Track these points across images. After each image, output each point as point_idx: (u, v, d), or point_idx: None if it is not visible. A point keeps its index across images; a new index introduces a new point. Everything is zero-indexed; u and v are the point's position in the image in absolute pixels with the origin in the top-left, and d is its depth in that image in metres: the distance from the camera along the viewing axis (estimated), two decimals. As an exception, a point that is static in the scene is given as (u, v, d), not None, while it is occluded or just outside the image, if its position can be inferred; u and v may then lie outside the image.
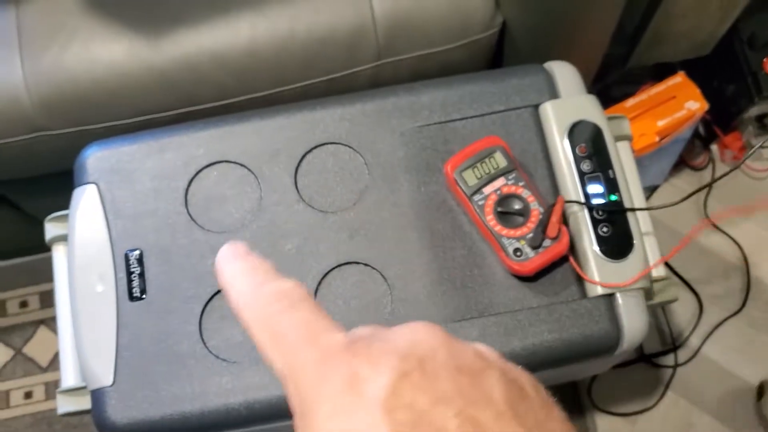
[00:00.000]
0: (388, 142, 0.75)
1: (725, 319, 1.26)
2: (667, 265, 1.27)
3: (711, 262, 1.31)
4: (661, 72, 1.28)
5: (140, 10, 0.87)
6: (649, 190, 1.34)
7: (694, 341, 1.26)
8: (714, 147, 1.37)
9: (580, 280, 0.70)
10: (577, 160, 0.72)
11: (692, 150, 1.36)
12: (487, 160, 0.70)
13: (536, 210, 0.69)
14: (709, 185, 1.33)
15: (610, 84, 1.30)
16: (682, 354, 1.25)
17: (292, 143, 0.75)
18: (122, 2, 0.88)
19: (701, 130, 1.36)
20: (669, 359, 1.25)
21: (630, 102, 1.05)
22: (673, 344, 1.25)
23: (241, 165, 0.74)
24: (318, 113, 0.76)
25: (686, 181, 1.35)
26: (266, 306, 0.30)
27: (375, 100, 0.76)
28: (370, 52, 0.87)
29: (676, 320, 1.27)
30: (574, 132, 0.74)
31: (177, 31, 0.85)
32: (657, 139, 1.03)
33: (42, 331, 1.33)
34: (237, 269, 0.32)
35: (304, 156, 0.74)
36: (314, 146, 0.75)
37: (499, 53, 0.95)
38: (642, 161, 1.11)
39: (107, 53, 0.86)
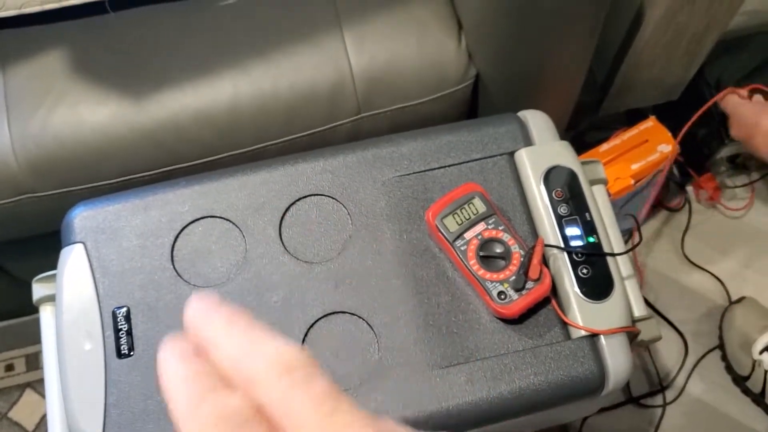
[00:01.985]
0: (369, 192, 0.76)
1: (705, 354, 1.28)
2: (649, 305, 1.29)
3: (693, 301, 1.33)
4: (633, 117, 1.32)
5: (125, 73, 0.89)
6: (628, 233, 1.37)
7: (681, 380, 1.27)
8: (689, 188, 1.40)
9: (563, 322, 0.71)
10: (554, 204, 0.75)
11: (668, 192, 1.39)
12: (466, 206, 0.72)
13: (517, 253, 0.71)
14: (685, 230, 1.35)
15: (583, 130, 1.33)
16: (670, 393, 1.26)
17: (275, 196, 0.76)
18: (107, 65, 0.90)
19: (676, 172, 1.39)
20: (657, 399, 1.25)
21: (604, 147, 1.08)
22: (661, 384, 1.26)
23: (226, 219, 0.75)
24: (300, 166, 0.77)
25: (663, 222, 1.38)
26: None
27: (356, 151, 0.78)
28: (350, 106, 0.90)
29: (662, 360, 1.28)
30: (549, 177, 0.76)
31: (161, 92, 0.87)
32: (632, 182, 1.05)
33: (28, 395, 1.32)
34: (178, 375, 0.28)
35: (287, 208, 0.76)
36: (298, 198, 0.76)
37: (474, 103, 0.98)
38: (618, 204, 1.13)
39: (93, 115, 0.88)
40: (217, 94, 0.88)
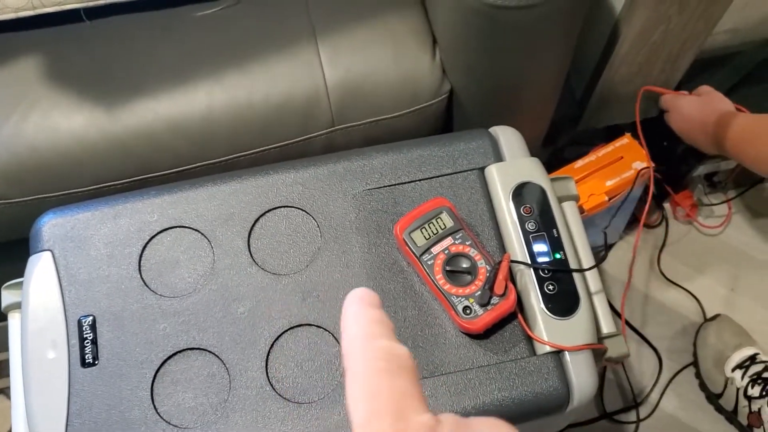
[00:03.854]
0: (339, 205, 0.77)
1: (679, 371, 1.28)
2: (626, 322, 1.29)
3: (669, 318, 1.33)
4: (612, 134, 1.33)
5: (100, 81, 0.89)
6: (605, 249, 1.37)
7: (655, 397, 1.27)
8: (667, 205, 1.41)
9: (529, 338, 0.72)
10: (522, 220, 0.75)
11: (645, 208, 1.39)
12: (434, 220, 0.73)
13: (483, 268, 0.71)
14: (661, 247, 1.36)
15: (562, 146, 1.34)
16: (644, 410, 1.26)
17: (245, 207, 0.76)
18: (82, 73, 0.90)
19: (654, 189, 1.40)
20: (631, 416, 1.26)
21: (579, 163, 1.09)
22: (635, 401, 1.26)
23: (195, 230, 0.75)
24: (271, 177, 0.78)
25: (640, 239, 1.39)
26: (373, 360, 0.32)
27: (327, 164, 0.79)
28: (324, 119, 0.90)
29: (636, 377, 1.29)
30: (518, 193, 0.76)
31: (135, 101, 0.87)
32: (606, 198, 1.06)
33: (0, 402, 1.31)
34: (363, 316, 0.34)
35: (257, 220, 0.76)
36: (267, 210, 0.76)
37: (449, 118, 0.99)
38: (594, 220, 1.14)
39: (66, 123, 0.87)
40: (192, 104, 0.88)
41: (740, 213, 1.41)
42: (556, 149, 1.32)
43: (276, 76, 0.89)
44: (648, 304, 1.34)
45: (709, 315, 1.31)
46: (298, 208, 0.77)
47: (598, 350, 0.74)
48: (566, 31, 0.85)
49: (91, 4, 0.89)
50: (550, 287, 0.72)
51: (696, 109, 1.06)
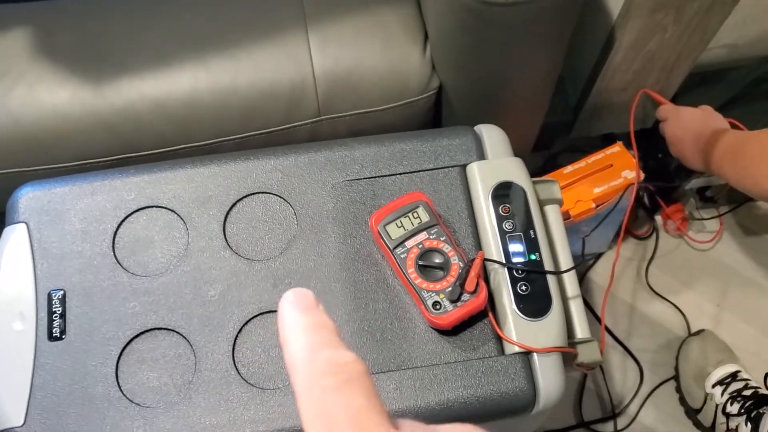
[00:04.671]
0: (318, 194, 0.76)
1: (660, 384, 1.27)
2: (608, 331, 1.29)
3: (653, 331, 1.32)
4: (608, 143, 1.32)
5: (86, 57, 0.89)
6: (594, 258, 1.37)
7: (634, 408, 1.27)
8: (658, 217, 1.40)
9: (498, 337, 0.71)
10: (500, 220, 0.74)
11: (636, 219, 1.39)
12: (410, 214, 0.72)
13: (456, 264, 0.71)
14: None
15: (557, 152, 1.34)
16: (621, 421, 1.26)
17: (223, 191, 0.76)
18: (69, 49, 0.90)
19: (646, 200, 1.39)
20: (608, 426, 1.25)
21: (568, 168, 1.08)
22: (613, 411, 1.26)
23: (171, 210, 0.75)
24: (251, 163, 0.77)
25: (630, 250, 1.38)
26: (319, 377, 0.28)
27: (308, 152, 0.78)
28: (310, 108, 0.90)
29: (616, 387, 1.28)
30: (498, 192, 0.76)
31: (121, 79, 0.87)
32: (593, 205, 1.05)
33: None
34: (299, 323, 0.30)
35: (234, 204, 0.76)
36: (245, 195, 0.76)
37: (437, 115, 0.98)
38: (580, 227, 1.13)
39: (51, 97, 0.87)
40: (177, 85, 0.88)
41: (731, 229, 1.40)
42: (550, 155, 1.32)
43: (263, 62, 0.89)
44: (633, 315, 1.33)
45: (693, 330, 1.30)
46: (276, 195, 0.76)
47: (568, 354, 0.74)
48: (557, 31, 0.85)
49: (84, -20, 0.89)
50: (523, 288, 0.72)
51: (696, 120, 1.05)
